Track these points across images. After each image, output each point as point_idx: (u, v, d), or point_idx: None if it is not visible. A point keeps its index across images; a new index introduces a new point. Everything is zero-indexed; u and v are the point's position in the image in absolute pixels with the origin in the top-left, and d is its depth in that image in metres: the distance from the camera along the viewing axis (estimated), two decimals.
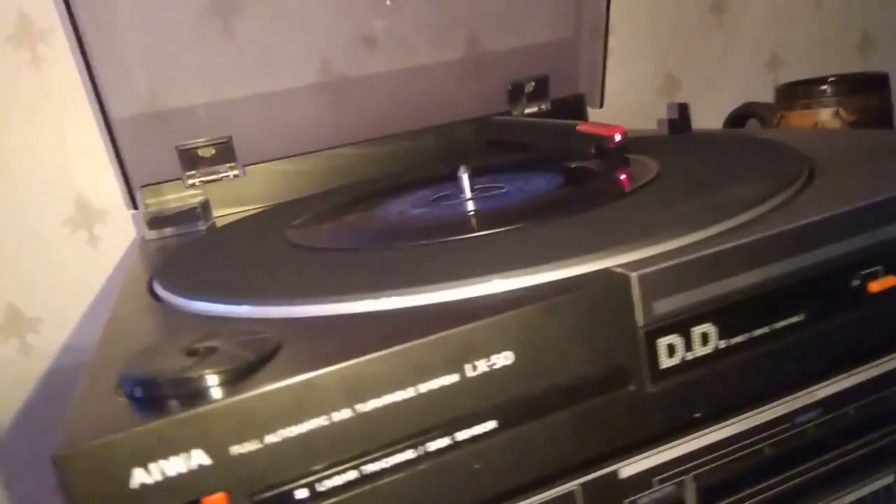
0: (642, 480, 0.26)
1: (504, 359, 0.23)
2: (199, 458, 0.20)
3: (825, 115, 0.72)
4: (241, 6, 0.61)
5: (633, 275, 0.24)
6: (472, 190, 0.41)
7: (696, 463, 0.27)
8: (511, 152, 0.56)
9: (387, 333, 0.23)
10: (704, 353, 0.26)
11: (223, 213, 0.58)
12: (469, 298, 0.25)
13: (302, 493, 0.22)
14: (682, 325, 0.25)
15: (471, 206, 0.40)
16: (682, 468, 0.27)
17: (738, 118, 0.76)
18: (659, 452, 0.26)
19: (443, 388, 0.23)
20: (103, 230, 0.66)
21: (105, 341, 0.29)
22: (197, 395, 0.21)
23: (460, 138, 0.62)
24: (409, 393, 0.22)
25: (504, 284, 0.25)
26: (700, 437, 0.27)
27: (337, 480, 0.22)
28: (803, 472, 0.29)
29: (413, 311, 0.25)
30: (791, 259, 0.27)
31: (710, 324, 0.26)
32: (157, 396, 0.21)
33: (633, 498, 0.26)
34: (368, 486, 0.22)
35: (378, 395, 0.22)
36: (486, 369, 0.23)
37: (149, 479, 0.20)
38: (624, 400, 0.25)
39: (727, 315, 0.26)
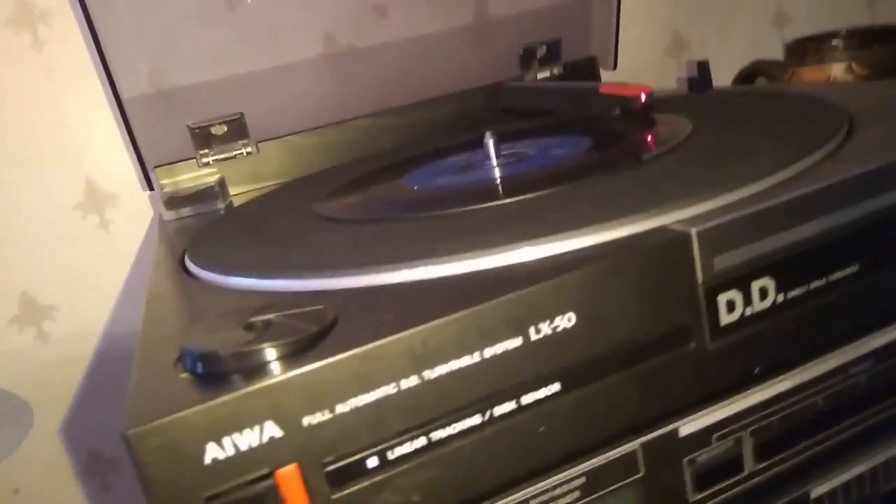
0: (701, 438, 0.26)
1: (567, 321, 0.23)
2: (270, 430, 0.20)
3: (837, 70, 0.71)
4: None
5: (693, 230, 0.24)
6: (499, 156, 0.41)
7: (752, 419, 0.27)
8: (528, 118, 0.55)
9: (448, 299, 0.23)
10: (763, 307, 0.25)
11: (239, 192, 0.57)
12: (528, 262, 0.24)
13: (373, 462, 0.21)
14: (741, 280, 0.25)
15: (505, 170, 0.39)
16: (739, 424, 0.27)
17: (747, 76, 0.75)
18: (717, 410, 0.26)
19: (507, 353, 0.22)
20: (114, 214, 0.65)
21: (150, 321, 0.28)
22: (260, 368, 0.21)
23: (474, 106, 0.61)
24: (474, 358, 0.22)
25: (562, 246, 0.24)
26: (757, 392, 0.27)
27: (406, 448, 0.22)
28: (856, 423, 0.29)
29: (471, 276, 0.24)
30: (844, 210, 0.26)
31: (769, 277, 0.25)
32: (219, 371, 0.21)
33: (692, 455, 0.26)
34: (437, 451, 0.22)
35: (444, 361, 0.22)
36: (549, 332, 0.23)
37: (222, 454, 0.20)
38: (684, 358, 0.25)
39: (785, 268, 0.25)
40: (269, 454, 0.20)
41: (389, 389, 0.21)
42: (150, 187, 0.56)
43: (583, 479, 0.25)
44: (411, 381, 0.21)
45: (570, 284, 0.23)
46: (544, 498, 0.24)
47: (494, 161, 0.40)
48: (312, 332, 0.22)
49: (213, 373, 0.21)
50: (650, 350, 0.24)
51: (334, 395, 0.21)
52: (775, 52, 0.83)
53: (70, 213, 0.64)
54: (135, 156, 0.55)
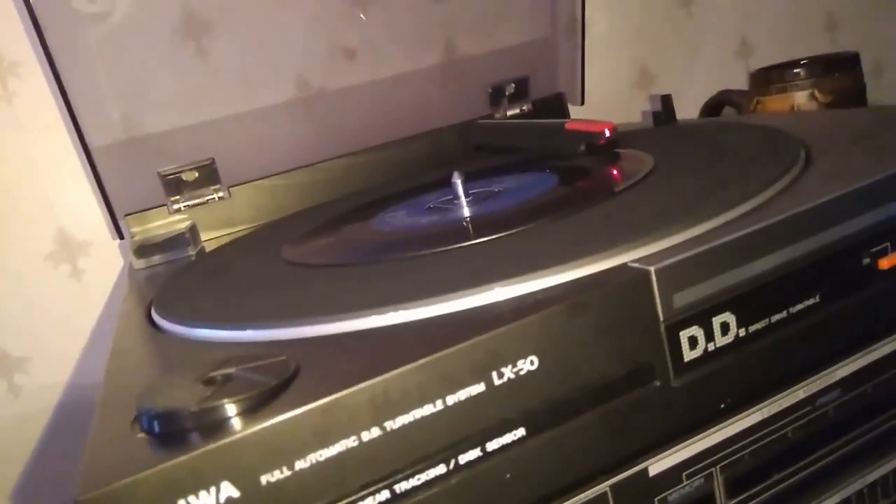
0: (671, 476, 0.26)
1: (529, 363, 0.23)
2: (227, 490, 0.20)
3: (801, 98, 0.72)
4: (213, 27, 0.60)
5: (652, 269, 0.24)
6: (467, 195, 0.41)
7: (722, 454, 0.27)
8: (498, 155, 0.56)
9: (410, 346, 0.22)
10: (726, 342, 0.26)
11: (211, 237, 0.57)
12: (487, 305, 0.24)
13: None
14: (702, 316, 0.25)
15: (470, 211, 0.39)
16: (709, 461, 0.27)
17: (713, 106, 0.77)
18: (686, 447, 0.26)
19: (470, 399, 0.22)
20: (87, 262, 0.64)
21: (111, 376, 0.28)
22: (219, 425, 0.20)
23: (445, 144, 0.61)
24: (437, 406, 0.22)
25: (522, 288, 0.24)
26: (725, 427, 0.27)
27: (370, 502, 0.21)
28: (827, 454, 0.29)
29: (431, 322, 0.24)
30: (802, 242, 0.27)
31: (729, 312, 0.25)
32: (177, 430, 0.21)
33: (663, 495, 0.26)
34: None
35: (406, 411, 0.21)
36: (512, 376, 0.23)
37: None
38: (650, 396, 0.25)
39: (745, 303, 0.26)
40: None
41: (350, 442, 0.21)
42: (121, 236, 0.56)
43: None
44: (373, 433, 0.21)
45: (531, 327, 0.23)
46: None
47: (464, 200, 0.41)
48: (271, 385, 0.22)
49: (171, 432, 0.21)
50: (615, 389, 0.24)
51: (293, 451, 0.20)
52: (741, 82, 0.85)
53: (42, 262, 0.63)
54: (104, 205, 0.55)
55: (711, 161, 0.37)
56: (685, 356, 0.25)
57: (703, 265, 0.25)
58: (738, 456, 0.27)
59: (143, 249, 0.51)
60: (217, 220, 0.58)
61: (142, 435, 0.21)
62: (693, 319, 0.25)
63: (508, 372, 0.22)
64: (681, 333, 0.25)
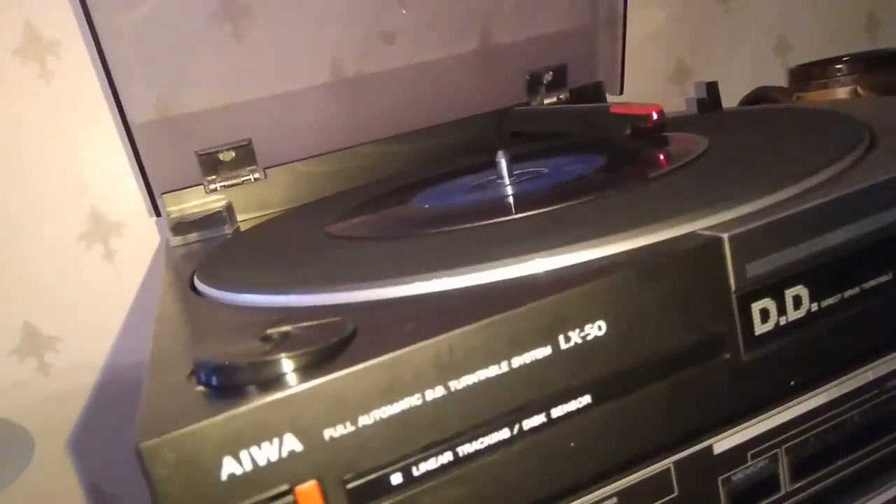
0: (736, 455, 0.25)
1: (597, 329, 0.22)
2: (290, 443, 0.19)
3: (842, 95, 0.71)
4: (251, 10, 0.60)
5: (725, 235, 0.23)
6: (511, 175, 0.40)
7: (787, 435, 0.26)
8: (535, 142, 0.55)
9: (474, 309, 0.22)
10: (797, 316, 0.25)
11: (246, 218, 0.57)
12: (554, 270, 0.23)
13: (396, 479, 0.20)
14: (774, 288, 0.24)
15: (521, 187, 0.38)
16: (774, 441, 0.26)
17: (750, 102, 0.75)
18: (752, 425, 0.25)
19: (536, 362, 0.21)
20: (119, 243, 0.64)
21: (159, 339, 0.27)
22: (278, 379, 0.20)
23: (481, 132, 0.61)
24: (502, 368, 0.21)
25: (592, 253, 0.23)
26: (791, 407, 0.26)
27: (432, 463, 0.21)
28: (894, 440, 0.28)
29: (497, 286, 0.23)
30: (877, 216, 0.25)
31: (802, 286, 0.24)
32: (236, 383, 0.20)
33: (727, 474, 0.25)
34: (464, 467, 0.21)
35: (472, 371, 0.21)
36: (579, 340, 0.22)
37: (239, 469, 0.18)
38: (719, 369, 0.24)
39: (818, 276, 0.25)
40: (288, 469, 0.19)
41: (414, 401, 0.20)
42: (158, 213, 0.56)
43: (614, 500, 0.23)
44: (437, 392, 0.20)
45: (600, 291, 0.22)
46: None
47: (507, 180, 0.40)
48: (332, 342, 0.21)
49: (229, 385, 0.20)
50: (683, 360, 0.23)
51: (357, 407, 0.20)
52: (777, 80, 0.83)
53: (75, 242, 0.63)
54: (142, 182, 0.55)
55: (770, 141, 0.36)
56: (756, 329, 0.24)
57: (777, 235, 0.24)
58: (803, 438, 0.26)
59: (180, 227, 0.51)
60: (252, 202, 0.57)
61: (200, 388, 0.21)
62: (765, 291, 0.24)
63: (575, 336, 0.22)
64: (752, 305, 0.24)
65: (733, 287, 0.23)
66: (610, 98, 0.65)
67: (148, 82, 0.57)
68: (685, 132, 0.42)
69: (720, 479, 0.25)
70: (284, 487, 0.19)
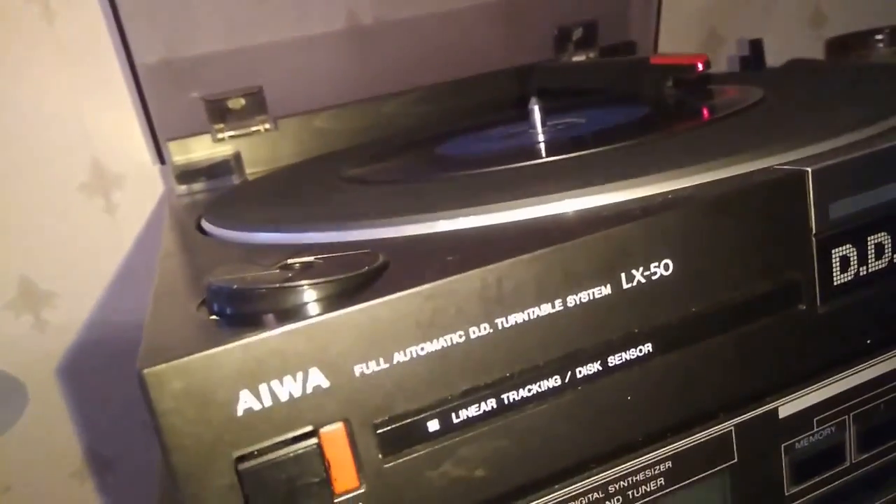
0: (802, 421, 0.23)
1: (663, 268, 0.19)
2: (316, 378, 0.16)
3: None
4: None
5: (809, 170, 0.20)
6: (546, 125, 0.37)
7: (857, 401, 0.23)
8: (566, 98, 0.52)
9: (522, 242, 0.19)
10: (879, 267, 0.22)
11: (255, 171, 0.54)
12: (614, 204, 0.21)
13: (433, 425, 0.18)
14: (857, 233, 0.21)
15: (564, 133, 0.35)
16: (842, 406, 0.23)
17: None
18: (820, 388, 0.23)
19: (594, 302, 0.19)
20: (121, 197, 0.61)
21: (164, 274, 0.25)
22: (302, 309, 0.17)
23: (504, 88, 0.57)
24: (556, 306, 0.18)
25: (658, 188, 0.21)
26: (863, 370, 0.23)
27: (473, 410, 0.18)
28: None
29: (546, 221, 0.21)
30: None
31: (885, 233, 0.22)
32: (254, 312, 0.17)
33: (790, 441, 0.23)
34: (509, 417, 0.18)
35: (522, 308, 0.18)
36: (643, 280, 0.19)
37: (257, 405, 0.16)
38: (792, 322, 0.21)
39: None
40: (312, 408, 0.16)
41: (457, 338, 0.18)
42: (162, 161, 0.53)
43: (668, 464, 0.21)
44: (482, 330, 0.18)
45: (666, 226, 0.19)
46: (624, 484, 0.21)
47: (540, 129, 0.37)
48: (363, 270, 0.18)
49: (246, 313, 0.17)
50: (755, 310, 0.21)
51: (392, 341, 0.17)
52: (811, 52, 0.80)
53: (74, 193, 0.60)
54: (147, 129, 0.52)
55: (833, 91, 0.33)
56: (835, 279, 0.21)
57: (863, 173, 0.21)
58: (873, 405, 0.24)
59: (185, 175, 0.49)
60: (262, 154, 0.54)
61: (212, 317, 0.18)
62: (847, 236, 0.21)
63: (638, 275, 0.19)
64: (833, 251, 0.21)
65: (814, 229, 0.21)
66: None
67: (155, 22, 0.54)
68: (731, 86, 0.39)
69: (783, 445, 0.22)
70: (308, 428, 0.16)
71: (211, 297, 0.18)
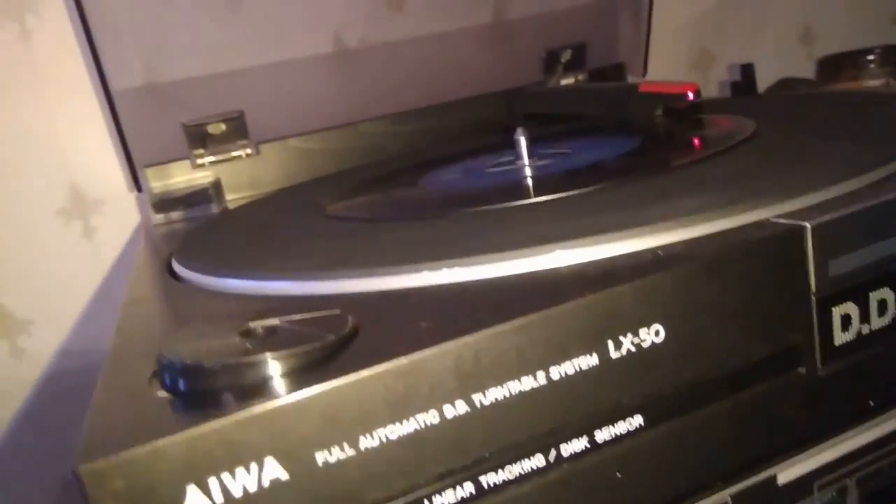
0: (802, 486, 0.21)
1: (654, 334, 0.18)
2: (273, 469, 0.15)
3: (874, 87, 0.67)
4: None
5: (808, 225, 0.19)
6: (533, 156, 0.36)
7: (859, 463, 0.22)
8: (552, 124, 0.51)
9: (501, 306, 0.18)
10: (881, 325, 0.21)
11: (235, 197, 0.52)
12: (599, 261, 0.19)
13: None
14: (859, 290, 0.20)
15: (548, 168, 0.34)
16: (844, 469, 0.22)
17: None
18: (821, 451, 0.21)
19: (580, 373, 0.17)
20: (100, 221, 0.60)
21: (124, 328, 0.23)
22: (262, 386, 0.16)
23: (491, 112, 0.56)
24: (539, 379, 0.17)
25: (649, 241, 0.19)
26: (863, 432, 0.22)
27: (450, 497, 0.17)
28: None
29: (530, 278, 0.19)
30: None
31: (888, 288, 0.21)
32: (208, 389, 0.16)
33: None
34: (488, 502, 0.17)
35: (501, 382, 0.17)
36: (632, 348, 0.18)
37: (207, 502, 0.14)
38: (791, 386, 0.20)
39: None
40: (270, 503, 0.15)
41: (429, 418, 0.16)
42: (139, 189, 0.51)
43: None
44: (458, 408, 0.16)
45: (658, 288, 0.18)
46: None
47: (527, 160, 0.36)
48: (328, 341, 0.17)
49: (200, 391, 0.16)
50: (753, 375, 0.19)
51: (359, 424, 0.16)
52: (801, 71, 0.79)
53: (52, 218, 0.59)
54: (123, 154, 0.51)
55: (828, 125, 0.32)
56: (836, 339, 0.20)
57: (864, 226, 0.20)
58: (876, 466, 0.22)
59: (162, 203, 0.47)
60: (242, 180, 0.53)
61: (163, 393, 0.17)
62: (848, 293, 0.20)
63: (628, 342, 0.18)
64: (833, 310, 0.20)
65: (813, 288, 0.19)
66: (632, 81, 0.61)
67: (133, 46, 0.53)
68: (725, 114, 0.38)
69: None
70: None
71: (162, 370, 0.17)
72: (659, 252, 0.19)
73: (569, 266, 0.19)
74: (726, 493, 0.20)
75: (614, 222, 0.20)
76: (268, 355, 0.16)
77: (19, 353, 0.59)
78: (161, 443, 0.14)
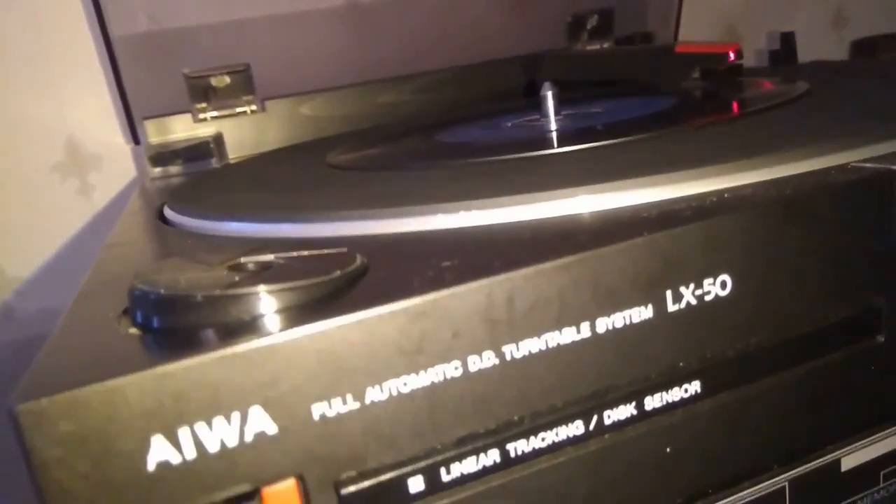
0: (867, 475, 0.19)
1: (718, 286, 0.15)
2: (259, 421, 0.12)
3: None
4: None
5: None
6: (559, 114, 0.33)
7: None
8: (578, 90, 0.47)
9: (542, 247, 0.15)
10: None
11: (238, 157, 0.50)
12: (656, 203, 0.16)
13: (416, 484, 0.13)
14: None
15: (585, 120, 0.31)
16: None
17: None
18: (892, 436, 0.19)
19: (631, 328, 0.15)
20: (97, 178, 0.57)
21: (102, 265, 0.20)
22: (250, 324, 0.13)
23: (512, 77, 0.53)
24: (582, 332, 0.14)
25: (715, 183, 0.17)
26: None
27: (469, 465, 0.14)
28: None
29: (580, 219, 0.16)
30: None
31: None
32: (187, 326, 0.13)
33: (852, 499, 0.19)
34: (515, 474, 0.14)
35: (537, 333, 0.14)
36: (694, 301, 0.15)
37: (176, 457, 0.12)
38: (867, 356, 0.17)
39: None
40: (253, 460, 0.12)
41: (452, 370, 0.13)
42: (136, 141, 0.49)
43: None
44: (486, 361, 0.14)
45: (726, 233, 0.15)
46: None
47: (553, 118, 0.32)
48: (335, 275, 0.14)
49: (177, 328, 0.13)
50: (825, 342, 0.16)
51: (365, 374, 0.13)
52: (833, 55, 0.76)
53: (48, 174, 0.56)
54: (121, 105, 0.48)
55: (881, 88, 0.29)
56: None
57: None
58: None
59: (159, 156, 0.44)
60: (246, 137, 0.50)
61: (133, 330, 0.14)
62: None
63: (689, 294, 0.15)
64: None
65: None
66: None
67: None
68: (766, 78, 0.35)
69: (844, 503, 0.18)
70: (245, 488, 0.12)
71: (134, 304, 0.14)
72: (724, 195, 0.16)
73: (621, 206, 0.16)
74: (783, 478, 0.17)
75: (668, 164, 0.18)
76: (260, 287, 0.14)
77: (10, 312, 0.57)
78: (121, 381, 0.11)
